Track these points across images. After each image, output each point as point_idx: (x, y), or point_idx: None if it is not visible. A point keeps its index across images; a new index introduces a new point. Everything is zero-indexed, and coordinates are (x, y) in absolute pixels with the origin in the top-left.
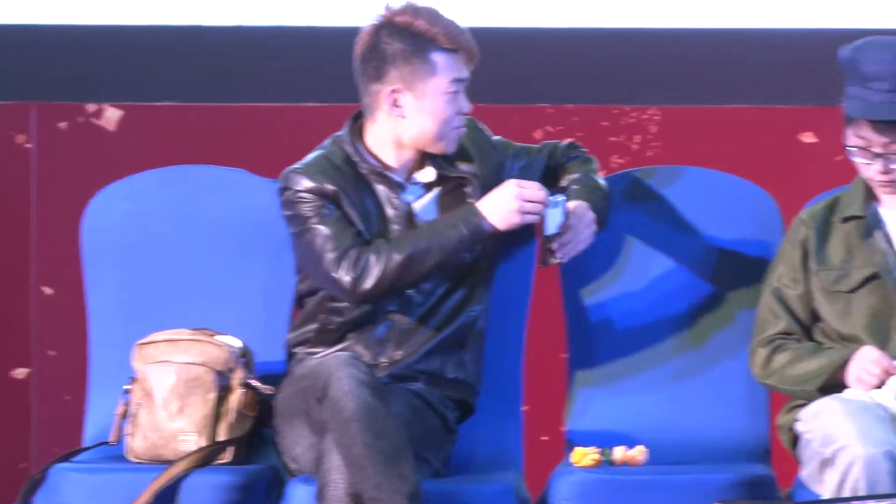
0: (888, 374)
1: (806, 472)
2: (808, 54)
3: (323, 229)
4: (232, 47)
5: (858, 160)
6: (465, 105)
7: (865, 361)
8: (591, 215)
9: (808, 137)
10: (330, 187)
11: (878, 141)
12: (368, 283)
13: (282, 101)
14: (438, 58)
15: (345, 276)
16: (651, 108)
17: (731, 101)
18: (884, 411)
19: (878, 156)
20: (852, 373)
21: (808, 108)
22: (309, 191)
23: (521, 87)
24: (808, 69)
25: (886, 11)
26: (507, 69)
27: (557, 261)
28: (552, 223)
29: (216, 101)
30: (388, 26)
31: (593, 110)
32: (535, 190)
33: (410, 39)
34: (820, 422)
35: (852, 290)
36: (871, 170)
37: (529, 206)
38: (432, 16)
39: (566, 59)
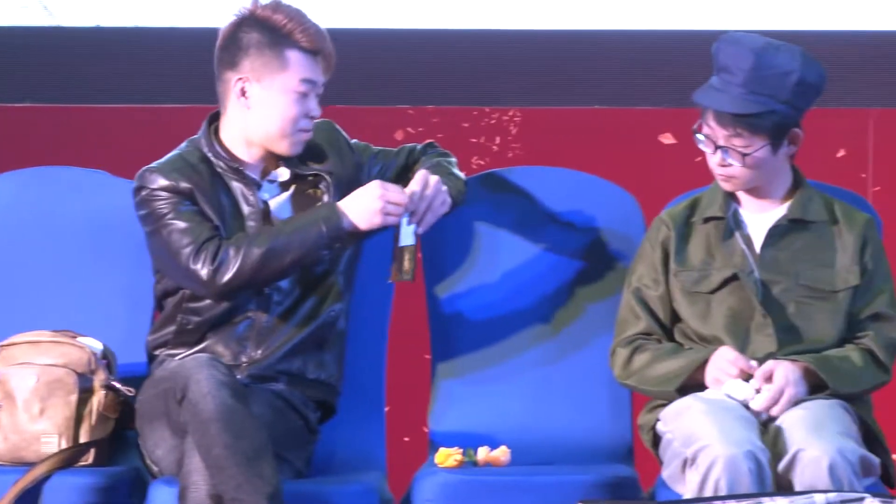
0: (745, 373)
1: (667, 473)
2: (665, 56)
3: (179, 223)
4: (91, 48)
5: (703, 149)
6: (314, 109)
7: (722, 361)
8: (435, 178)
9: (668, 139)
10: (185, 185)
11: (718, 132)
12: (226, 276)
13: (142, 102)
14: (292, 55)
15: (202, 269)
16: (511, 109)
17: (590, 102)
18: (745, 410)
19: (719, 147)
20: (710, 373)
21: (666, 109)
22: (164, 188)
23: (382, 89)
24: (667, 71)
25: (743, 12)
26: (368, 70)
27: (408, 278)
28: (406, 235)
29: (76, 103)
30: (250, 18)
31: (454, 111)
32: (398, 193)
33: (268, 32)
34: (681, 421)
35: (712, 292)
36: (712, 160)
37: (391, 208)
38: (294, 13)
39: (427, 60)
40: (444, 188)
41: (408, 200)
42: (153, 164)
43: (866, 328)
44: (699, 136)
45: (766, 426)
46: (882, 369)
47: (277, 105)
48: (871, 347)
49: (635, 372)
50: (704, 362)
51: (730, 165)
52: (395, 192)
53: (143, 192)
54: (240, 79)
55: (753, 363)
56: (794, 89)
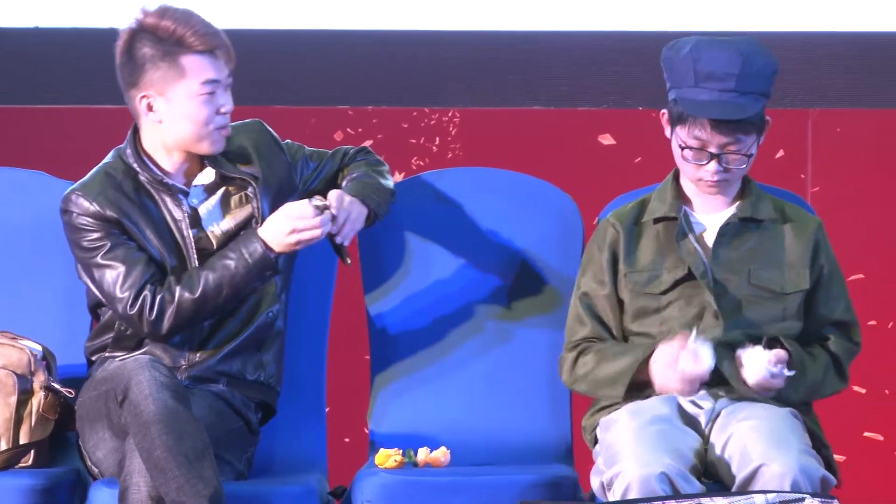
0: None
1: (595, 484)
2: (605, 56)
3: (111, 266)
4: (30, 48)
5: (692, 161)
6: (226, 104)
7: (663, 369)
8: (348, 198)
9: (607, 139)
10: (111, 213)
11: (715, 141)
12: (165, 326)
13: (81, 103)
14: (188, 61)
15: (141, 321)
16: (451, 109)
17: (529, 103)
18: (678, 422)
19: (713, 156)
20: (659, 387)
21: (605, 110)
22: (90, 215)
23: (321, 89)
24: (606, 71)
25: (680, 14)
26: (306, 71)
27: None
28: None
29: (13, 104)
30: (140, 30)
31: (393, 112)
32: (302, 212)
33: (158, 43)
34: (609, 435)
35: (663, 293)
36: (703, 170)
37: (304, 235)
38: (181, 16)
39: (366, 60)
40: (359, 205)
41: (314, 213)
42: (77, 186)
43: (829, 334)
44: (686, 150)
45: (710, 432)
46: (841, 378)
47: (186, 112)
48: (837, 355)
49: (582, 377)
50: (647, 360)
51: (729, 170)
52: (299, 213)
53: (69, 217)
54: (143, 96)
55: (694, 341)
56: (771, 79)
